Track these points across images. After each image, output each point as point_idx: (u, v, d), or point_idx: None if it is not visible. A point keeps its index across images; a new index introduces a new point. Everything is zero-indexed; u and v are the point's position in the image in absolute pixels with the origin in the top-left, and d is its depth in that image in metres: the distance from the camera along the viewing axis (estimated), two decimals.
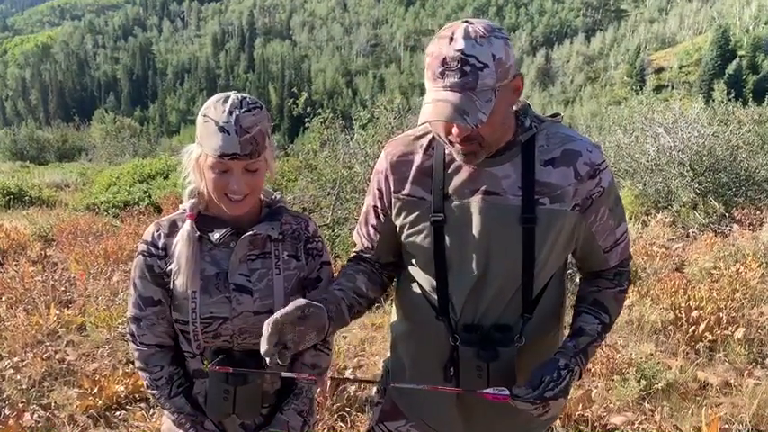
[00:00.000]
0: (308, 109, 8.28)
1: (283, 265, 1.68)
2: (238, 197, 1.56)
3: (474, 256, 1.55)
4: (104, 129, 35.49)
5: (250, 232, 1.62)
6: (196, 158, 1.58)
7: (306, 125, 8.47)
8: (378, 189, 1.69)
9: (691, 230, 8.45)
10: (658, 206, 9.73)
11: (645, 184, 10.03)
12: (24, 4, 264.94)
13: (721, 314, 4.62)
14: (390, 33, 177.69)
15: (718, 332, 4.45)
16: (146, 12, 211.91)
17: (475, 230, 1.53)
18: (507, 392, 1.43)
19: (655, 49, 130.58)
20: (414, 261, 1.66)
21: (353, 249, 1.84)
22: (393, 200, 1.65)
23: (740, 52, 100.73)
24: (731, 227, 8.35)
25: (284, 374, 1.56)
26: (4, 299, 5.50)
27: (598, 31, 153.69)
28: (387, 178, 1.66)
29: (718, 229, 8.36)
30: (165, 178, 13.70)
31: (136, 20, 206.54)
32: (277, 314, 1.39)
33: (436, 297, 1.61)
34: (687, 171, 9.55)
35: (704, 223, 8.64)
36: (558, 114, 1.62)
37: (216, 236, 1.62)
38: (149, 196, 12.47)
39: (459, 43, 1.34)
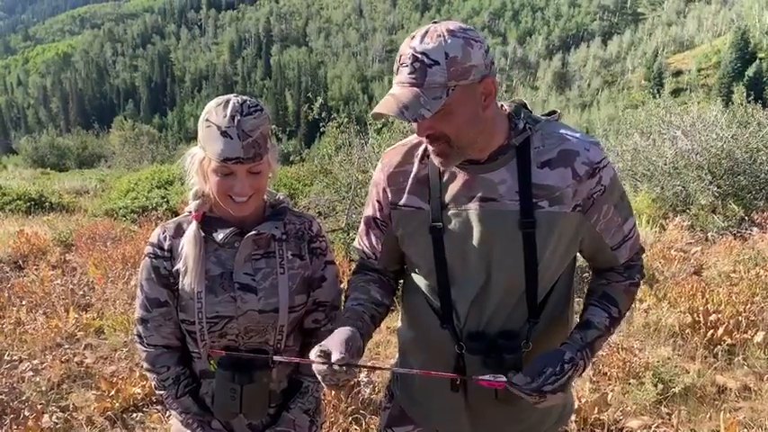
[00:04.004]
0: (324, 114, 8.34)
1: (287, 264, 1.70)
2: (242, 199, 1.58)
3: (475, 264, 1.53)
4: (123, 136, 35.84)
5: (254, 231, 1.64)
6: (200, 162, 1.60)
7: (322, 130, 8.53)
8: (377, 201, 1.69)
9: (709, 234, 8.35)
10: (676, 209, 9.63)
11: (662, 188, 9.93)
12: (45, 13, 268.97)
13: (740, 318, 4.55)
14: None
15: (738, 336, 4.39)
16: (164, 20, 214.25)
17: (474, 238, 1.52)
18: (504, 379, 1.42)
19: (673, 52, 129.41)
20: (416, 270, 1.65)
21: (358, 260, 1.83)
22: (392, 211, 1.64)
23: (760, 54, 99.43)
24: (751, 230, 8.24)
25: (277, 358, 1.55)
26: (24, 303, 5.57)
27: (615, 34, 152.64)
28: (384, 189, 1.65)
29: (738, 232, 8.25)
30: (182, 184, 13.78)
31: (154, 28, 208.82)
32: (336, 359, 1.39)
33: (440, 305, 1.59)
34: (705, 174, 9.45)
35: (723, 227, 8.53)
36: (554, 112, 1.59)
37: (220, 236, 1.64)
38: (167, 201, 12.57)
39: (416, 41, 1.36)
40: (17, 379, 4.06)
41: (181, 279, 1.64)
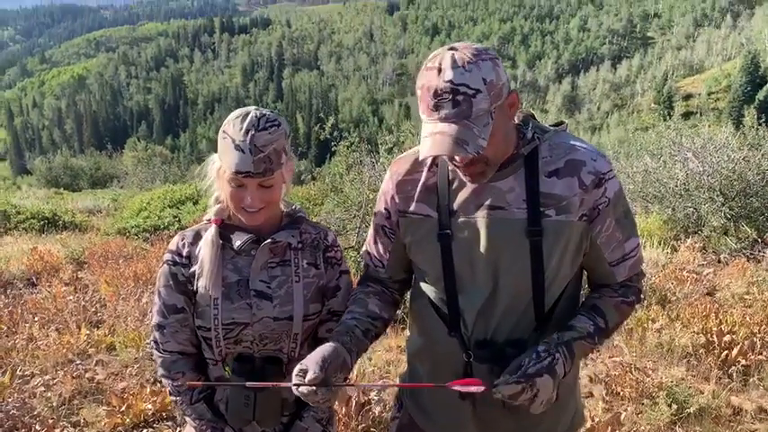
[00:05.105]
0: (335, 133, 8.41)
1: (303, 272, 1.72)
2: (253, 210, 1.62)
3: (483, 272, 1.54)
4: (136, 156, 36.18)
5: (270, 240, 1.67)
6: (217, 170, 1.65)
7: (333, 149, 8.59)
8: (385, 209, 1.70)
9: (722, 256, 8.29)
10: (688, 231, 9.57)
11: (674, 209, 9.89)
12: (62, 37, 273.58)
13: (755, 339, 4.51)
14: (416, 63, 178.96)
15: (753, 357, 4.34)
16: (178, 43, 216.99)
17: (482, 246, 1.53)
18: (480, 383, 1.42)
19: (682, 75, 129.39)
20: (424, 278, 1.66)
21: (365, 269, 1.84)
22: (400, 219, 1.66)
23: None
24: (764, 252, 8.17)
25: (250, 384, 1.55)
26: (37, 319, 5.60)
27: (624, 58, 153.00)
28: (393, 197, 1.67)
29: (751, 254, 8.19)
30: (194, 203, 13.91)
31: (168, 51, 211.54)
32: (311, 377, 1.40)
33: (447, 313, 1.60)
34: (717, 196, 9.40)
35: (736, 248, 8.47)
36: (562, 123, 1.62)
37: (237, 243, 1.67)
38: (179, 221, 12.65)
39: (448, 73, 1.35)
40: (29, 394, 4.07)
41: (196, 281, 1.67)
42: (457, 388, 1.44)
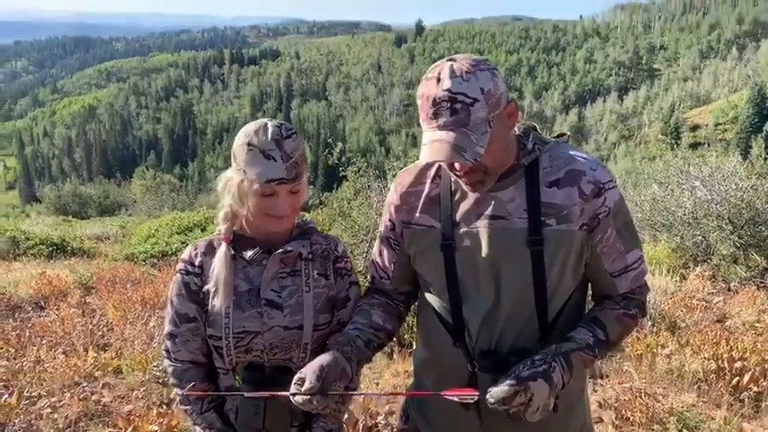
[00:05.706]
0: (343, 158, 8.48)
1: (313, 282, 1.74)
2: (283, 215, 1.64)
3: (485, 281, 1.55)
4: (145, 185, 36.36)
5: (281, 249, 1.69)
6: (238, 184, 1.63)
7: (341, 175, 8.65)
8: (389, 220, 1.73)
9: (732, 284, 8.24)
10: (697, 259, 9.52)
11: (682, 237, 9.86)
12: (74, 67, 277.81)
13: (767, 366, 4.46)
14: None
15: (765, 383, 4.29)
16: (187, 74, 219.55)
17: (484, 255, 1.55)
18: (475, 392, 1.42)
19: (689, 107, 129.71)
20: (429, 288, 1.68)
21: (370, 281, 1.85)
22: (404, 230, 1.69)
23: None
24: None
25: (248, 395, 1.55)
26: (44, 341, 5.60)
27: (631, 89, 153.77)
28: (397, 209, 1.70)
29: (761, 282, 8.13)
30: (202, 230, 13.96)
31: (178, 82, 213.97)
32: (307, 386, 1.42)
33: (452, 323, 1.61)
34: (726, 224, 9.37)
35: (746, 277, 8.41)
36: (564, 134, 1.64)
37: (249, 254, 1.69)
38: (187, 247, 12.68)
39: (446, 83, 1.39)
40: (35, 416, 4.06)
41: (210, 299, 1.68)
42: (451, 396, 1.45)
